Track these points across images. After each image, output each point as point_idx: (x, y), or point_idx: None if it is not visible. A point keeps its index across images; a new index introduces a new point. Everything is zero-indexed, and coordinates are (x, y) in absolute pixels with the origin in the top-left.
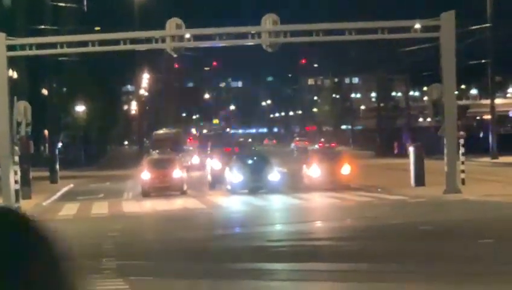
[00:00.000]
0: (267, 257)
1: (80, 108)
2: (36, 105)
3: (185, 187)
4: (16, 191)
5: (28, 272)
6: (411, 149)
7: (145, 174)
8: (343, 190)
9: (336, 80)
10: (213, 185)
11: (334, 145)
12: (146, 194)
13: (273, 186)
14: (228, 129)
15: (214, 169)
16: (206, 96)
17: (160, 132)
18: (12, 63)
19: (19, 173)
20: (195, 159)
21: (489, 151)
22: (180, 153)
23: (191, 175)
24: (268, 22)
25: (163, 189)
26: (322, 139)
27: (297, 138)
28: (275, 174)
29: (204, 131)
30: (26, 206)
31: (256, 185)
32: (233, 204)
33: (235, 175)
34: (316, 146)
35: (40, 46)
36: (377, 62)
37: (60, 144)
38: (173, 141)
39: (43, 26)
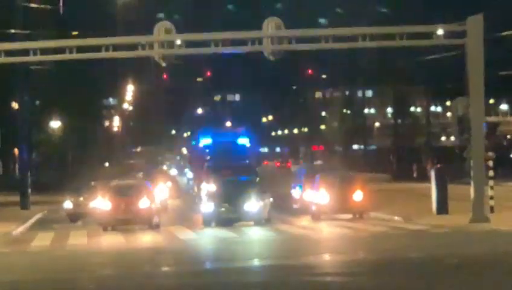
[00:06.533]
0: None
1: (55, 124)
2: (5, 120)
3: (156, 219)
4: None
5: None
6: (433, 172)
7: (104, 204)
8: (355, 219)
9: (347, 92)
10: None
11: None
12: (105, 227)
13: (250, 217)
14: None
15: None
16: (199, 111)
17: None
18: None
19: None
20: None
21: None
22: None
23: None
24: (271, 26)
25: (126, 222)
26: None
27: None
28: (252, 204)
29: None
30: None
31: (230, 217)
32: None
33: (206, 205)
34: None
35: (9, 52)
36: (393, 73)
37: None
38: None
39: (13, 30)
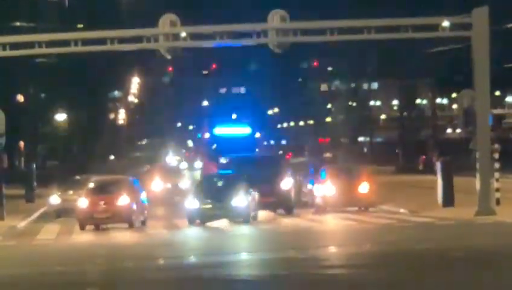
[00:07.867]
0: (273, 287)
1: (60, 116)
2: (10, 113)
3: (141, 218)
4: None
5: None
6: (438, 164)
7: (82, 201)
8: (361, 211)
9: (353, 85)
10: None
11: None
12: (83, 226)
13: (237, 214)
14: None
15: None
16: (205, 103)
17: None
18: None
19: None
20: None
21: None
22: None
23: None
24: (276, 18)
25: (104, 220)
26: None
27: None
28: (240, 199)
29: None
30: None
31: (215, 213)
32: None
33: (190, 201)
34: None
35: (15, 45)
36: (399, 65)
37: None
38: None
39: (18, 23)
